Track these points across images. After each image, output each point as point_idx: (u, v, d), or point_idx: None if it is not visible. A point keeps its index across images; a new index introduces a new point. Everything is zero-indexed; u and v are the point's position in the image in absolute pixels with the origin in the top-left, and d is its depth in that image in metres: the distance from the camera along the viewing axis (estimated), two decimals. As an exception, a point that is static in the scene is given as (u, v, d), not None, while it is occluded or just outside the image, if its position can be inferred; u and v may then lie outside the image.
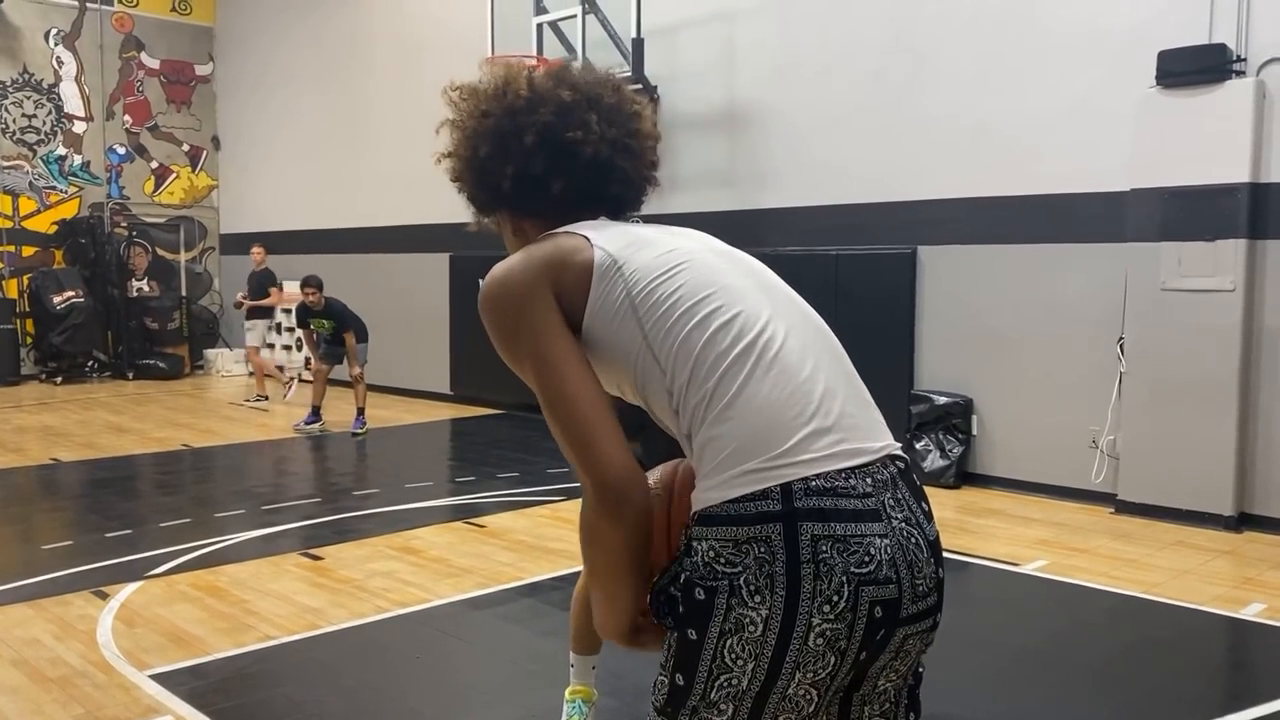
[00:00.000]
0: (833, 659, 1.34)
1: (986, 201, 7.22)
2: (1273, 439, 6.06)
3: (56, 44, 13.88)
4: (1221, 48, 6.05)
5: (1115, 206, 6.53)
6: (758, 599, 1.32)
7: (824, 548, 1.32)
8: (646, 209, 1.78)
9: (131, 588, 4.86)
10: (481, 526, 6.08)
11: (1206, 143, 6.07)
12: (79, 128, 14.12)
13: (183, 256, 14.98)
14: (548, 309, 1.45)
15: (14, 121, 13.54)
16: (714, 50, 8.83)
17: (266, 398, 11.36)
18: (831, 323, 1.61)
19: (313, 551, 5.51)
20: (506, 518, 6.29)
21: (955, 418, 7.24)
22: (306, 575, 5.11)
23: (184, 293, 14.76)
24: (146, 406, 11.25)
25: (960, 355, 7.36)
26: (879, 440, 1.45)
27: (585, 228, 1.55)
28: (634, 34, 8.64)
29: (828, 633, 1.33)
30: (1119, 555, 5.56)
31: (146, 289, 14.43)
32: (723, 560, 1.34)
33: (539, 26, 9.21)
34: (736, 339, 1.43)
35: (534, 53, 9.18)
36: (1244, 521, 6.09)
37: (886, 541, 1.36)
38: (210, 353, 14.59)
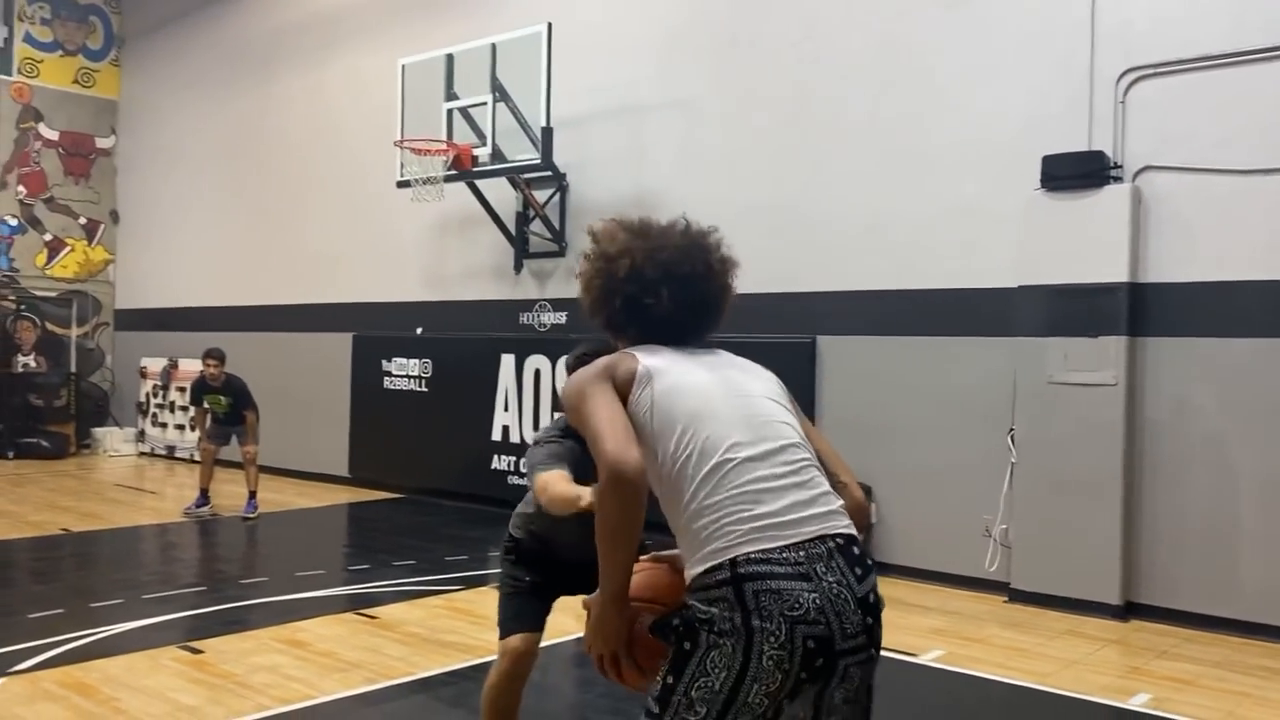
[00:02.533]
0: (779, 676, 1.90)
1: (882, 294, 7.43)
2: (1157, 529, 6.25)
3: (-51, 112, 13.50)
4: (1100, 155, 6.39)
5: (1004, 302, 6.77)
6: (728, 629, 1.91)
7: (763, 599, 1.90)
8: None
9: (-8, 685, 4.56)
10: (374, 618, 5.89)
11: (1088, 244, 6.36)
12: (-32, 197, 13.68)
13: (74, 331, 14.48)
14: (606, 387, 2.10)
15: (-102, 189, 13.05)
16: (622, 141, 9.00)
17: None
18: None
19: (193, 644, 5.26)
20: (400, 608, 6.11)
21: (855, 506, 7.30)
22: (185, 670, 4.86)
23: (73, 369, 14.24)
24: (25, 488, 10.72)
25: (859, 443, 7.45)
26: (814, 526, 2.01)
27: (642, 351, 2.19)
28: (544, 123, 8.75)
29: (775, 656, 1.89)
30: (1012, 645, 5.64)
31: (33, 364, 13.88)
32: (702, 609, 1.96)
33: (449, 112, 9.27)
34: (708, 455, 2.04)
35: (444, 138, 9.23)
36: (1131, 610, 6.24)
37: (815, 595, 1.92)
38: (99, 431, 14.04)
